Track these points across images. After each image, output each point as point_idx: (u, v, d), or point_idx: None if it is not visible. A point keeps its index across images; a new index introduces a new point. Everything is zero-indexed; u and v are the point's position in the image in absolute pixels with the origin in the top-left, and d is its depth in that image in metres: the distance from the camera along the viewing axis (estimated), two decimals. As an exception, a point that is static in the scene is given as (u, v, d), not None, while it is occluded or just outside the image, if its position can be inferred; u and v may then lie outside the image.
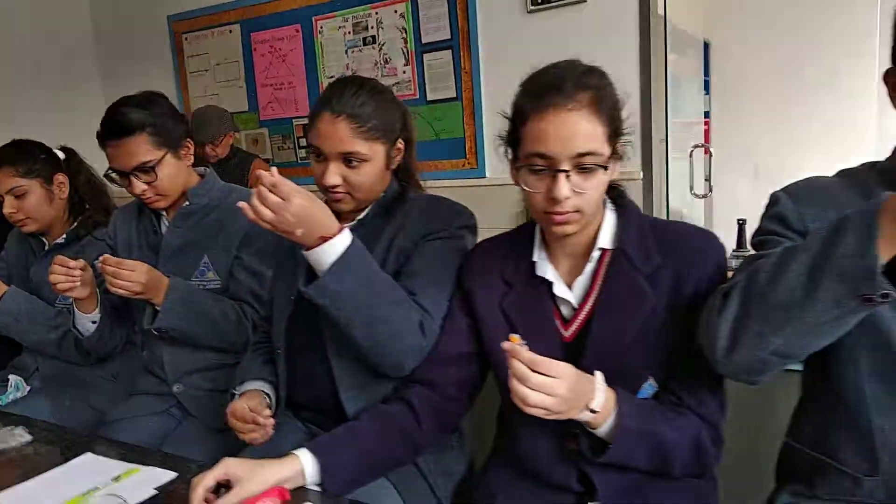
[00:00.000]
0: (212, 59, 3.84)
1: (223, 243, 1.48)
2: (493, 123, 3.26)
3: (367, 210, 1.25)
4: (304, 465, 0.99)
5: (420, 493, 1.15)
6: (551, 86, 0.95)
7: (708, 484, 1.08)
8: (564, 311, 1.05)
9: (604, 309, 1.00)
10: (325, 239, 1.04)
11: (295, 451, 1.01)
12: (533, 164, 0.96)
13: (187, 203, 1.49)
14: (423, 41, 3.29)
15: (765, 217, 0.99)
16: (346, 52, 3.52)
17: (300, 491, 0.99)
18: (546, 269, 1.05)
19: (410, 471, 1.15)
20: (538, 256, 1.07)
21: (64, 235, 1.73)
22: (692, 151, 3.31)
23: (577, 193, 0.95)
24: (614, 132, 0.99)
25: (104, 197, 1.80)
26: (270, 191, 1.00)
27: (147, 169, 1.40)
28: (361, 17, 3.43)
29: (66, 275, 1.38)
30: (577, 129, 0.93)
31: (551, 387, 0.85)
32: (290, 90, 3.70)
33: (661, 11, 2.83)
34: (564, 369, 0.87)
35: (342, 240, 1.06)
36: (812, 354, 0.98)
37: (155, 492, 1.01)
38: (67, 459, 1.13)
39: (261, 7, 3.62)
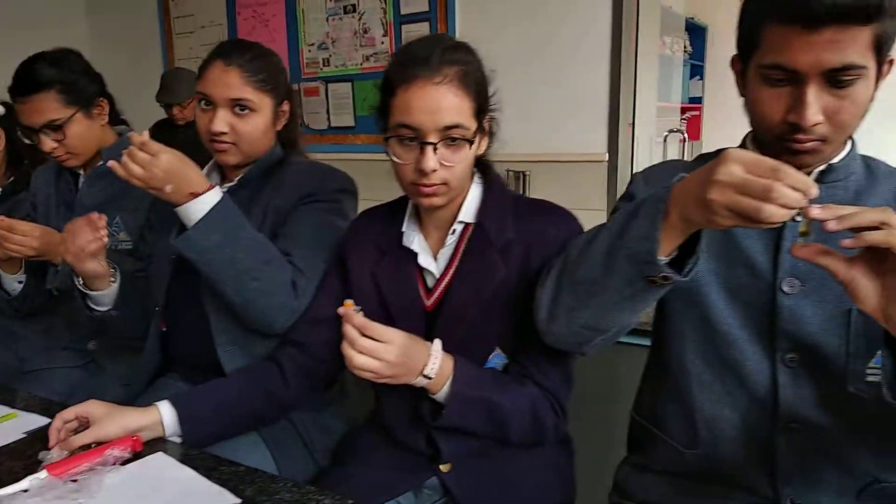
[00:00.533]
0: (197, 20, 3.85)
1: (134, 204, 1.50)
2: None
3: (248, 169, 1.27)
4: (163, 415, 1.03)
5: (293, 448, 1.19)
6: (419, 58, 0.96)
7: (562, 452, 1.11)
8: (430, 281, 1.07)
9: (459, 280, 1.03)
10: (195, 195, 1.08)
11: (156, 402, 1.05)
12: (401, 135, 0.97)
13: (101, 163, 1.52)
14: (402, 12, 3.27)
15: (621, 196, 1.01)
16: (327, 19, 3.51)
17: (158, 441, 1.03)
18: (413, 240, 1.07)
19: (284, 426, 1.19)
20: (407, 227, 1.09)
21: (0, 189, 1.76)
22: (666, 136, 3.28)
23: (444, 166, 0.96)
24: (480, 108, 1.00)
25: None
26: (140, 149, 1.04)
27: (55, 126, 1.41)
28: (342, -15, 3.41)
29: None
30: (443, 103, 0.95)
31: (378, 351, 0.88)
32: (271, 56, 3.70)
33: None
34: (395, 335, 0.90)
35: (211, 196, 1.10)
36: (653, 330, 1.00)
37: (23, 435, 1.05)
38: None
39: (243, -30, 3.61)
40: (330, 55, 3.52)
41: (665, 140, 3.36)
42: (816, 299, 0.86)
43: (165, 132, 3.22)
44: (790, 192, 0.63)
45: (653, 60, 3.09)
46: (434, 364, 0.93)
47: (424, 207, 1.04)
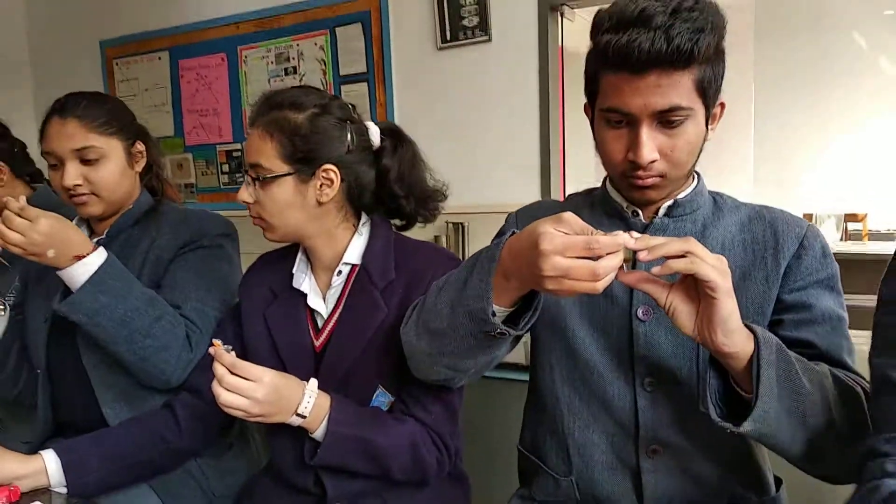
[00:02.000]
0: (141, 84, 3.91)
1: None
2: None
3: (117, 219, 1.26)
4: (47, 464, 1.02)
5: (190, 497, 1.18)
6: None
7: (457, 488, 1.13)
8: (320, 322, 1.11)
9: (343, 320, 1.06)
10: (79, 258, 1.09)
11: (40, 451, 1.04)
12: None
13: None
14: (341, 73, 3.40)
15: (496, 234, 1.07)
16: (269, 80, 3.61)
17: (40, 492, 1.02)
18: (302, 281, 1.11)
19: (179, 474, 1.18)
20: (297, 269, 1.13)
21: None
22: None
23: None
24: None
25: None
26: (18, 214, 1.05)
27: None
28: (283, 49, 3.54)
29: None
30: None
31: (245, 389, 0.91)
32: (214, 117, 3.78)
33: (560, 42, 2.96)
34: (263, 373, 0.92)
35: (96, 257, 1.10)
36: (529, 361, 1.05)
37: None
38: None
39: (189, 35, 3.72)
40: (272, 115, 3.60)
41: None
42: (669, 325, 0.91)
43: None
44: (610, 262, 0.68)
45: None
46: (308, 402, 0.96)
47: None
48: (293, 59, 3.52)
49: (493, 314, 0.77)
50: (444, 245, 3.27)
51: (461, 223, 3.11)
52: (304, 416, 0.95)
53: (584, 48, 0.91)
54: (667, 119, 0.84)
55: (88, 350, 1.18)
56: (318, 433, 0.98)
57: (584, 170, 3.16)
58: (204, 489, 1.19)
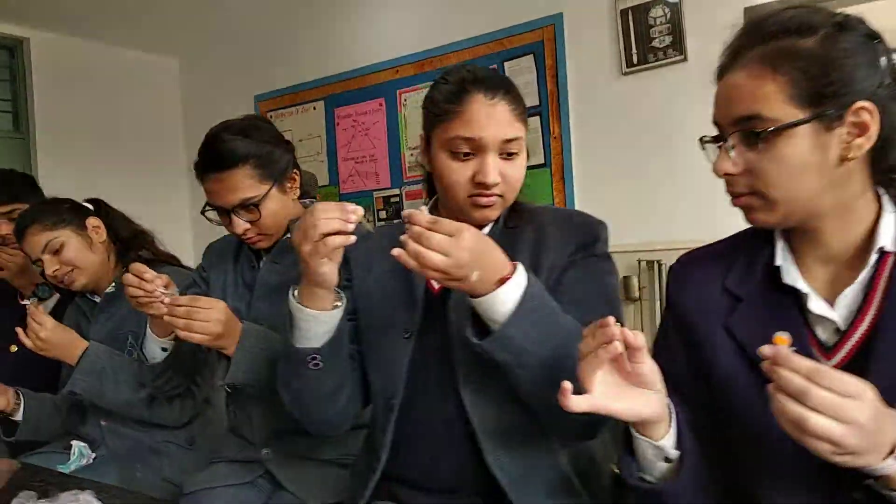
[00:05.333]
0: (295, 135, 3.87)
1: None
2: (586, 190, 3.13)
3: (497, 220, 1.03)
4: None
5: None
6: None
7: None
8: (822, 334, 0.78)
9: (891, 331, 0.72)
10: (503, 280, 0.82)
11: None
12: None
13: (288, 236, 1.32)
14: (510, 108, 3.21)
15: None
16: (430, 122, 3.46)
17: None
18: (795, 277, 0.79)
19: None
20: (783, 259, 0.80)
21: (113, 283, 1.56)
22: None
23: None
24: None
25: (146, 236, 1.66)
26: (430, 229, 0.80)
27: (250, 205, 1.24)
28: (446, 88, 3.39)
29: (141, 287, 1.17)
30: None
31: (844, 409, 0.58)
32: (371, 163, 3.66)
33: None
34: (864, 389, 0.60)
35: (519, 279, 0.83)
36: None
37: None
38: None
39: (345, 83, 3.66)
40: (433, 157, 3.44)
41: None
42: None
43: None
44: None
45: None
46: None
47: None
48: (456, 98, 3.37)
49: None
50: (636, 285, 2.93)
51: (656, 260, 2.78)
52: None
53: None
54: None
55: (469, 377, 0.96)
56: None
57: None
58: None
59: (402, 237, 0.81)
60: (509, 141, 0.95)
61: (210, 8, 3.59)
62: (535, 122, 3.15)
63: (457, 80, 0.98)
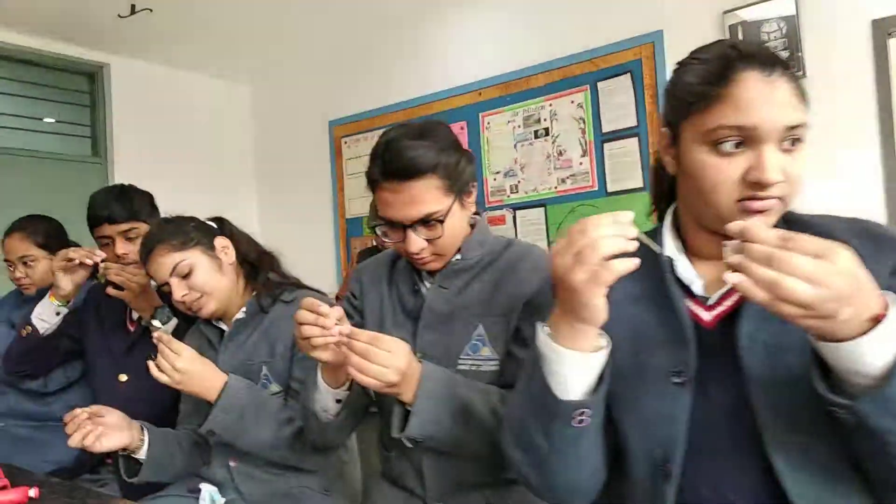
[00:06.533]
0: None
1: (500, 309, 1.11)
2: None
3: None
4: None
5: None
6: None
7: None
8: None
9: None
10: (875, 319, 0.61)
11: None
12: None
13: (458, 257, 1.15)
14: (604, 130, 3.05)
15: None
16: (515, 145, 3.33)
17: None
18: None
19: None
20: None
21: (244, 308, 1.39)
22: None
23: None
24: None
25: (272, 257, 1.49)
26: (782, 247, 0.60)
27: (433, 221, 1.06)
28: (533, 111, 3.26)
29: (318, 323, 0.96)
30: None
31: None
32: (450, 188, 3.52)
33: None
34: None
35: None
36: None
37: None
38: None
39: (427, 106, 3.55)
40: (518, 181, 3.29)
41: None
42: None
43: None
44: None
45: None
46: None
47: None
48: (544, 119, 3.23)
49: None
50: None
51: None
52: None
53: None
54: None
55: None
56: None
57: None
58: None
59: (736, 259, 0.62)
60: (793, 128, 0.77)
61: (283, 34, 3.55)
62: (632, 143, 2.99)
63: (718, 55, 0.80)
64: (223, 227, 1.48)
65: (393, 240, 1.11)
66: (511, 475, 1.08)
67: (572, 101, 3.16)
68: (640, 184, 2.96)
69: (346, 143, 3.86)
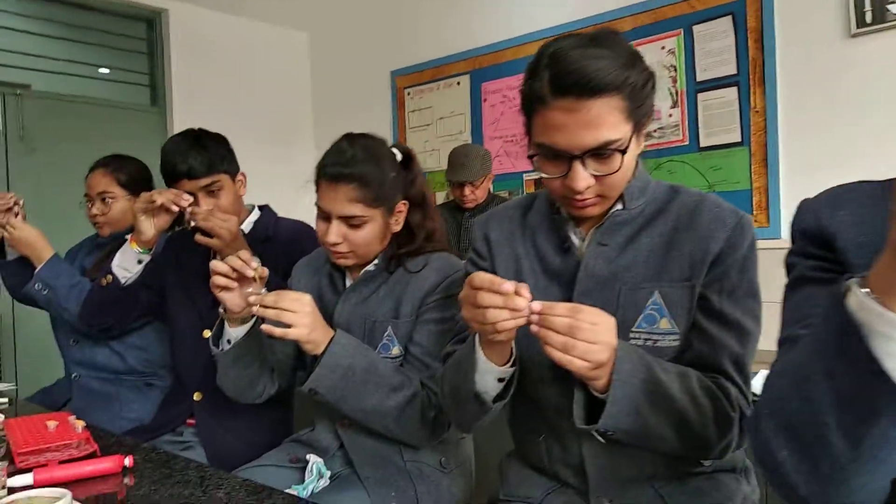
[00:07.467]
0: (435, 112, 3.56)
1: (679, 273, 0.90)
2: (795, 174, 2.66)
3: None
4: None
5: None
6: None
7: None
8: None
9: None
10: None
11: None
12: None
13: (619, 207, 0.94)
14: (699, 79, 2.79)
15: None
16: (596, 97, 3.08)
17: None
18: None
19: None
20: None
21: (375, 262, 1.23)
22: None
23: None
24: None
25: (441, 233, 1.31)
26: None
27: (615, 150, 0.85)
28: (617, 58, 3.00)
29: (507, 306, 0.79)
30: None
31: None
32: (521, 143, 3.30)
33: None
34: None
35: None
36: None
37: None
38: None
39: (495, 55, 3.32)
40: (598, 136, 3.06)
41: None
42: None
43: (447, 215, 2.81)
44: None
45: None
46: None
47: None
48: (630, 68, 2.97)
49: None
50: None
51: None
52: None
53: None
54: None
55: None
56: None
57: None
58: None
59: None
60: None
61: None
62: (731, 93, 2.72)
63: None
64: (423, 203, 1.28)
65: (551, 174, 0.91)
66: (695, 468, 0.92)
67: (663, 48, 2.89)
68: (737, 138, 2.70)
69: (409, 94, 3.66)
